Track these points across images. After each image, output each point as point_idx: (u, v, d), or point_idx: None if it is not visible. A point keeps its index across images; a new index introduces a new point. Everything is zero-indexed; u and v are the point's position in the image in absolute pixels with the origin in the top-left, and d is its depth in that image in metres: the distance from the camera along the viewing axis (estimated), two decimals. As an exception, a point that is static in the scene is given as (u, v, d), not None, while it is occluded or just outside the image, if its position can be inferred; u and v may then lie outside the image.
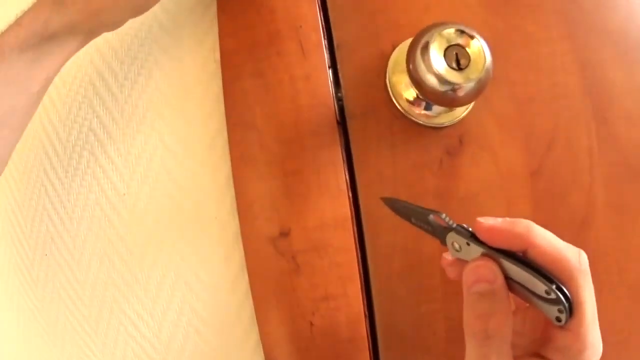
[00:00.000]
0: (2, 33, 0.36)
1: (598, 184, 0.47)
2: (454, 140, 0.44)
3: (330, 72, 0.43)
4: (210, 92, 0.45)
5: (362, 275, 0.43)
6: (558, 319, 0.30)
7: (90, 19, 0.38)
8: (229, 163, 0.43)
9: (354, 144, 0.44)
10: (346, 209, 0.42)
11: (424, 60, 0.38)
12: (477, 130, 0.45)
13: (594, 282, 0.30)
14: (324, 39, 0.42)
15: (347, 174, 0.43)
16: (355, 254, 0.43)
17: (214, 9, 0.46)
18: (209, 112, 0.45)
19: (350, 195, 0.43)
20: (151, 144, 0.46)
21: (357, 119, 0.43)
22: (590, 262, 0.30)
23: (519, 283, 0.31)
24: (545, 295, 0.29)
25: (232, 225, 0.44)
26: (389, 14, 0.46)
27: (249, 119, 0.43)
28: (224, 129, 0.44)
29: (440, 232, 0.34)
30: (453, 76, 0.38)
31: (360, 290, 0.42)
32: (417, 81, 0.38)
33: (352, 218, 0.43)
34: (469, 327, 0.32)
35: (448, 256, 0.34)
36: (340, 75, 0.44)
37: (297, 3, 0.44)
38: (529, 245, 0.30)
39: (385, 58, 0.44)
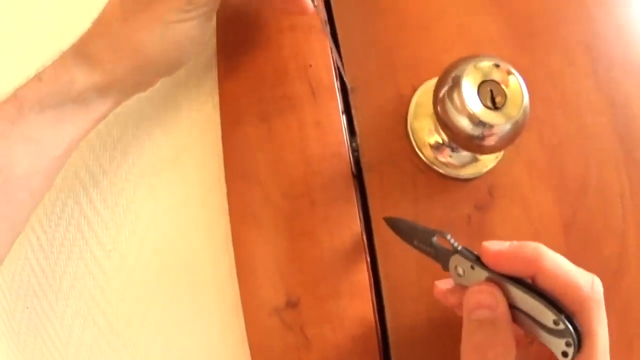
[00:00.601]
0: (21, 87, 0.29)
1: (631, 231, 0.37)
2: (483, 194, 0.34)
3: (344, 117, 0.33)
4: (208, 140, 0.35)
5: (382, 350, 0.33)
6: (564, 354, 0.24)
7: (121, 81, 0.30)
8: (227, 221, 0.33)
9: (371, 200, 0.34)
10: (364, 275, 0.32)
11: (455, 98, 0.28)
12: (507, 181, 0.35)
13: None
14: (337, 80, 0.33)
15: (364, 234, 0.33)
16: (374, 326, 0.32)
17: (212, 44, 0.36)
18: (205, 163, 0.34)
19: (369, 259, 0.33)
20: (140, 195, 0.36)
21: (374, 171, 0.33)
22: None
23: (524, 312, 0.25)
24: (552, 326, 0.24)
25: (231, 292, 0.34)
26: (406, 52, 0.36)
27: (250, 171, 0.32)
28: (222, 182, 0.33)
29: (443, 255, 0.28)
30: (489, 116, 0.28)
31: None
32: (446, 123, 0.29)
33: (370, 285, 0.32)
34: (466, 358, 0.26)
35: (441, 284, 0.29)
36: (355, 121, 0.34)
37: (307, 39, 0.34)
38: (538, 271, 0.25)
39: (405, 101, 0.34)
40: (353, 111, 0.34)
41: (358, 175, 0.34)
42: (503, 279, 0.25)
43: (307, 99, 0.34)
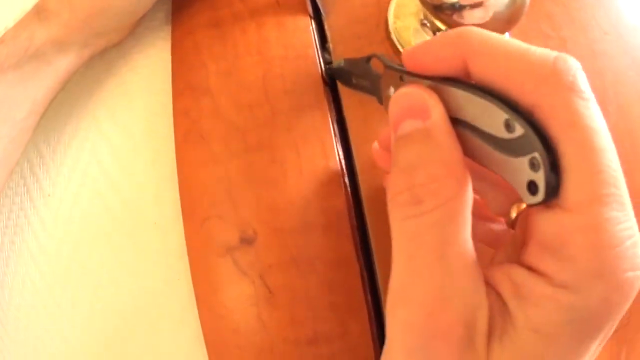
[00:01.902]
0: None
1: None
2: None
3: (312, 22, 0.21)
4: (158, 65, 0.23)
5: (370, 302, 0.18)
6: (532, 187, 0.11)
7: (80, 29, 0.21)
8: (171, 150, 0.20)
9: (347, 111, 0.20)
10: (341, 201, 0.18)
11: None
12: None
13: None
14: None
15: (339, 150, 0.19)
16: (357, 267, 0.18)
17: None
18: (154, 89, 0.22)
19: (347, 180, 0.19)
20: (83, 128, 0.25)
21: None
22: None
23: (470, 126, 0.12)
24: (506, 135, 0.12)
25: (176, 232, 0.20)
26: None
27: (198, 82, 0.20)
28: (169, 104, 0.20)
29: (378, 83, 0.16)
30: None
31: (368, 326, 0.17)
32: (434, 2, 0.16)
33: (350, 214, 0.18)
34: (390, 193, 0.13)
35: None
36: (326, 26, 0.21)
37: None
38: (469, 57, 0.12)
39: (384, 5, 0.22)
40: (323, 15, 0.22)
41: (332, 87, 0.21)
42: (437, 81, 0.13)
43: (269, 1, 0.22)
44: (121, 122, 0.23)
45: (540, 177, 0.11)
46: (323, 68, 0.21)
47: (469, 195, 0.12)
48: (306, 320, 0.19)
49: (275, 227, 0.19)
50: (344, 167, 0.20)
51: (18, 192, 0.26)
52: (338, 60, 0.20)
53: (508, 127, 0.12)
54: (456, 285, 0.12)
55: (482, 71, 0.12)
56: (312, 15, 0.22)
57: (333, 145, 0.20)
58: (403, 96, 0.13)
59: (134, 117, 0.23)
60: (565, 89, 0.11)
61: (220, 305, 0.19)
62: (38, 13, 0.21)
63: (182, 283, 0.21)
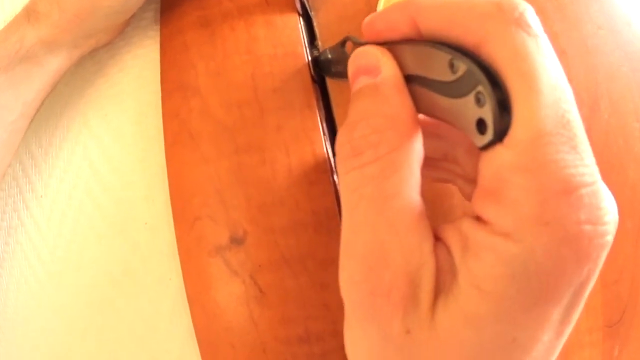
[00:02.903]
0: None
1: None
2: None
3: (300, 20, 0.21)
4: (148, 64, 0.22)
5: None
6: (480, 125, 0.10)
7: (69, 30, 0.21)
8: (162, 149, 0.19)
9: (337, 110, 0.20)
10: (331, 200, 0.18)
11: None
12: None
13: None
14: None
15: (329, 149, 0.19)
16: None
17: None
18: (144, 90, 0.22)
19: (336, 180, 0.19)
20: (74, 130, 0.24)
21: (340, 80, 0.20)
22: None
23: (421, 79, 0.12)
24: (451, 76, 0.11)
25: (166, 231, 0.20)
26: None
27: (188, 82, 0.20)
28: (159, 105, 0.20)
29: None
30: None
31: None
32: None
33: (339, 212, 0.18)
34: (336, 147, 0.13)
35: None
36: (314, 23, 0.21)
37: None
38: (416, 17, 0.12)
39: (374, 1, 0.21)
40: (312, 13, 0.22)
41: (321, 84, 0.21)
42: (392, 45, 0.13)
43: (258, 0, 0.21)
44: (112, 123, 0.23)
45: (487, 113, 0.10)
46: (312, 66, 0.21)
47: (415, 149, 0.11)
48: (297, 319, 0.19)
49: (266, 226, 0.19)
50: (333, 166, 0.20)
51: (11, 193, 0.25)
52: (323, 51, 0.20)
53: (452, 67, 0.11)
54: (398, 240, 0.11)
55: (429, 25, 0.12)
56: (300, 12, 0.22)
57: (322, 145, 0.20)
58: (358, 55, 0.13)
59: (124, 118, 0.23)
60: (511, 23, 0.10)
61: (212, 305, 0.19)
62: (28, 15, 0.20)
63: (174, 283, 0.21)
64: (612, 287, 0.23)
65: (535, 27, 0.11)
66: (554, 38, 0.25)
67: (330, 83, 0.21)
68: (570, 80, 0.25)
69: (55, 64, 0.21)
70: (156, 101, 0.22)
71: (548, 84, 0.10)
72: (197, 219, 0.20)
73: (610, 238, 0.10)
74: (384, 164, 0.11)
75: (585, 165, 0.10)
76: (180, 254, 0.20)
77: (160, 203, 0.21)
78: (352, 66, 0.13)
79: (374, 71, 0.13)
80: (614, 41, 0.26)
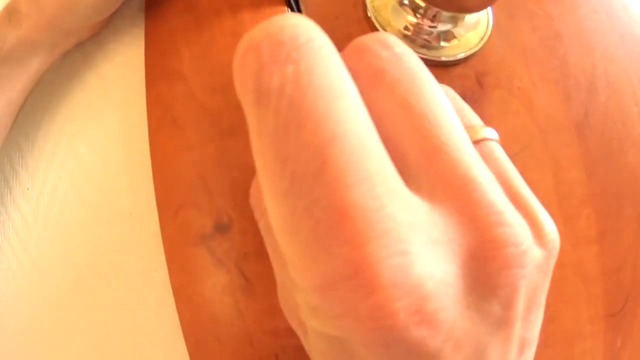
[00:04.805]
0: None
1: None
2: (471, 82, 0.19)
3: (287, 6, 0.20)
4: (134, 52, 0.21)
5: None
6: None
7: (49, 29, 0.20)
8: (146, 137, 0.18)
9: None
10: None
11: None
12: (500, 69, 0.20)
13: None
14: None
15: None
16: None
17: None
18: (129, 79, 0.21)
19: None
20: (59, 119, 0.23)
21: None
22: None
23: None
24: None
25: (151, 221, 0.19)
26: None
27: (173, 67, 0.19)
28: (144, 90, 0.19)
29: None
30: None
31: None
32: None
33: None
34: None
35: None
36: (302, 6, 0.20)
37: None
38: None
39: None
40: (301, 6, 0.21)
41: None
42: None
43: (243, -17, 0.20)
44: (97, 112, 0.22)
45: None
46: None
47: None
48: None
49: (251, 214, 0.18)
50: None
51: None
52: None
53: None
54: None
55: None
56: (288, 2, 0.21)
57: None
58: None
59: (109, 106, 0.22)
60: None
61: (197, 296, 0.18)
62: (9, 15, 0.20)
63: (160, 274, 0.20)
64: (613, 275, 0.22)
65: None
66: (549, 20, 0.24)
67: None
68: (566, 62, 0.24)
69: (36, 63, 0.20)
70: (141, 89, 0.21)
71: None
72: (180, 207, 0.19)
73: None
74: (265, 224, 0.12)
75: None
76: (164, 244, 0.19)
77: (145, 192, 0.20)
78: None
79: None
80: (610, 24, 0.25)
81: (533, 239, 0.10)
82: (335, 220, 0.08)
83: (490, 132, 0.13)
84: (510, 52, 0.22)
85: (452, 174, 0.10)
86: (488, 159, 0.12)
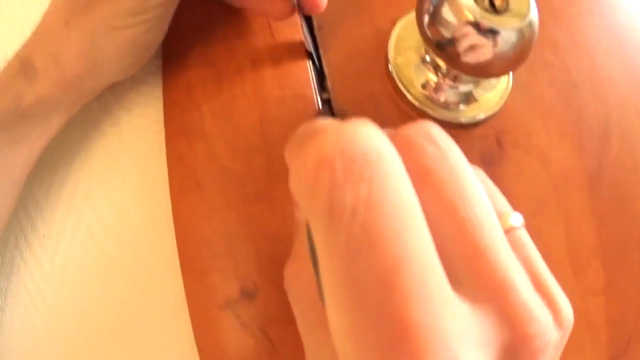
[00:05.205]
0: None
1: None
2: (491, 143, 0.20)
3: (309, 59, 0.19)
4: (152, 101, 0.21)
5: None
6: None
7: (69, 89, 0.19)
8: (167, 193, 0.18)
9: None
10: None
11: (446, 4, 0.14)
12: (518, 128, 0.21)
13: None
14: (298, 11, 0.19)
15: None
16: None
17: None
18: (147, 127, 0.21)
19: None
20: (75, 169, 0.23)
21: (350, 119, 0.19)
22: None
23: None
24: None
25: (174, 281, 0.19)
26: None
27: (193, 124, 0.19)
28: (163, 145, 0.19)
29: None
30: (490, 21, 0.16)
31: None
32: (437, 37, 0.15)
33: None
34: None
35: None
36: (324, 63, 0.20)
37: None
38: None
39: (384, 37, 0.20)
40: (321, 50, 0.20)
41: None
42: None
43: (263, 34, 0.20)
44: (115, 163, 0.22)
45: None
46: (320, 108, 0.20)
47: None
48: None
49: (277, 280, 0.18)
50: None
51: (12, 230, 0.24)
52: None
53: None
54: None
55: None
56: (309, 49, 0.21)
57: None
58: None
59: (127, 157, 0.22)
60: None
61: (223, 358, 0.18)
62: (24, 68, 0.19)
63: (183, 331, 0.20)
64: (617, 322, 0.23)
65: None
66: (566, 71, 0.24)
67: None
68: (582, 114, 0.25)
69: (55, 120, 0.20)
70: (160, 141, 0.21)
71: None
72: (205, 272, 0.19)
73: None
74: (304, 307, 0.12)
75: None
76: (189, 305, 0.19)
77: (167, 249, 0.20)
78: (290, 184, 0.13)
79: (296, 203, 0.12)
80: (624, 69, 0.25)
81: (553, 322, 0.11)
82: (396, 336, 0.09)
83: (516, 219, 0.14)
84: (529, 108, 0.22)
85: (491, 277, 0.10)
86: (515, 245, 0.13)
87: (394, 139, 0.11)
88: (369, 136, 0.10)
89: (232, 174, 0.19)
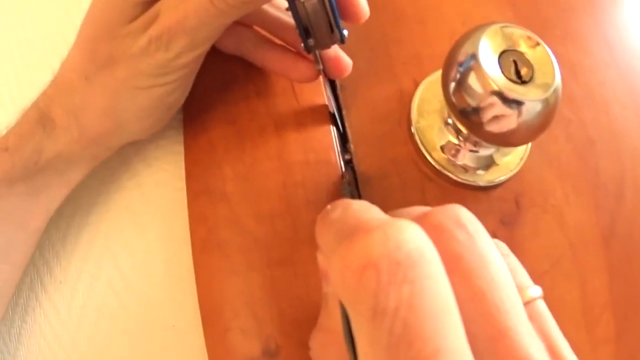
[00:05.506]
0: None
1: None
2: (509, 204, 0.20)
3: (332, 121, 0.20)
4: (172, 157, 0.21)
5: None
6: None
7: (91, 147, 0.19)
8: (189, 251, 0.19)
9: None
10: (363, 315, 0.17)
11: (472, 72, 0.15)
12: (536, 188, 0.21)
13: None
14: (323, 74, 0.19)
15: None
16: None
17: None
18: (168, 181, 0.21)
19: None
20: (94, 219, 0.23)
21: (373, 183, 0.19)
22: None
23: None
24: None
25: (196, 338, 0.19)
26: (406, 44, 0.23)
27: (215, 185, 0.19)
28: (184, 201, 0.19)
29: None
30: (515, 91, 0.16)
31: None
32: (462, 105, 0.15)
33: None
34: None
35: None
36: (346, 124, 0.20)
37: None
38: None
39: (407, 99, 0.21)
40: (344, 112, 0.21)
41: (351, 192, 0.20)
42: None
43: (286, 95, 0.20)
44: (134, 215, 0.22)
45: None
46: (343, 170, 0.20)
47: None
48: None
49: (300, 341, 0.19)
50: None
51: (27, 272, 0.24)
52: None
53: None
54: None
55: None
56: (332, 110, 0.21)
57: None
58: (320, 256, 0.14)
59: (147, 211, 0.22)
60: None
61: (244, 418, 0.19)
62: (43, 122, 0.19)
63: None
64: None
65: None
66: (582, 126, 0.24)
67: (365, 192, 0.21)
68: (597, 171, 0.25)
69: (76, 173, 0.20)
70: (181, 198, 0.21)
71: None
72: (227, 330, 0.19)
73: None
74: None
75: None
76: (211, 365, 0.19)
77: (189, 307, 0.21)
78: (318, 259, 0.14)
79: (325, 277, 0.13)
80: (639, 120, 0.25)
81: None
82: None
83: (535, 291, 0.14)
84: (547, 167, 0.22)
85: (513, 357, 0.11)
86: (533, 316, 0.13)
87: (423, 222, 0.12)
88: (412, 238, 0.10)
89: (255, 238, 0.19)
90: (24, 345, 0.24)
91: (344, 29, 0.17)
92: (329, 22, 0.16)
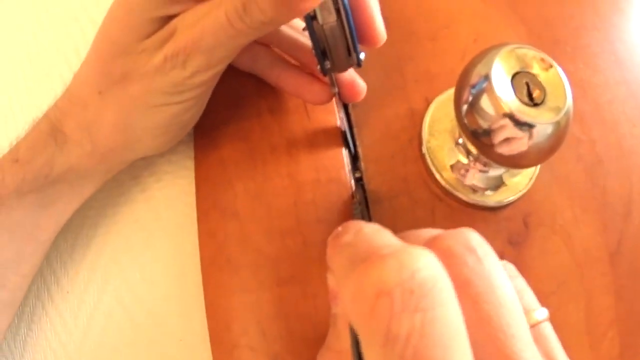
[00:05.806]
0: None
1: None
2: (518, 224, 0.20)
3: (345, 147, 0.20)
4: (183, 172, 0.21)
5: None
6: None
7: (102, 161, 0.19)
8: (198, 266, 0.19)
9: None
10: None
11: (484, 94, 0.16)
12: (545, 208, 0.21)
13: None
14: (337, 96, 0.19)
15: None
16: None
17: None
18: (179, 197, 0.21)
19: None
20: (102, 230, 0.23)
21: (383, 202, 0.20)
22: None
23: None
24: None
25: (202, 353, 0.19)
26: (417, 63, 0.23)
27: (225, 202, 0.19)
28: (194, 217, 0.19)
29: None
30: (527, 114, 0.17)
31: None
32: (473, 126, 0.15)
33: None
34: None
35: None
36: (357, 142, 0.20)
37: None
38: None
39: (418, 117, 0.21)
40: (354, 130, 0.21)
41: (362, 212, 0.20)
42: None
43: (298, 113, 0.20)
44: (143, 229, 0.22)
45: None
46: (354, 189, 0.20)
47: None
48: None
49: (307, 359, 0.19)
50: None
51: (34, 280, 0.25)
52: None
53: None
54: None
55: None
56: (343, 128, 0.21)
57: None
58: (329, 275, 0.14)
59: (157, 226, 0.22)
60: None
61: None
62: (54, 135, 0.19)
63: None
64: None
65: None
66: (592, 146, 0.24)
67: (375, 211, 0.21)
68: (606, 190, 0.25)
69: (87, 187, 0.20)
70: (191, 213, 0.21)
71: None
72: (235, 347, 0.19)
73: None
74: None
75: None
76: (219, 381, 0.20)
77: (197, 321, 0.21)
78: (329, 280, 0.14)
79: (334, 298, 0.13)
80: (647, 139, 0.26)
81: None
82: None
83: (542, 314, 0.14)
84: (556, 187, 0.22)
85: None
86: (539, 339, 0.14)
87: (433, 247, 0.12)
88: (426, 266, 0.10)
89: (265, 256, 0.19)
90: (29, 352, 0.24)
91: (361, 51, 0.17)
92: (347, 45, 0.16)
